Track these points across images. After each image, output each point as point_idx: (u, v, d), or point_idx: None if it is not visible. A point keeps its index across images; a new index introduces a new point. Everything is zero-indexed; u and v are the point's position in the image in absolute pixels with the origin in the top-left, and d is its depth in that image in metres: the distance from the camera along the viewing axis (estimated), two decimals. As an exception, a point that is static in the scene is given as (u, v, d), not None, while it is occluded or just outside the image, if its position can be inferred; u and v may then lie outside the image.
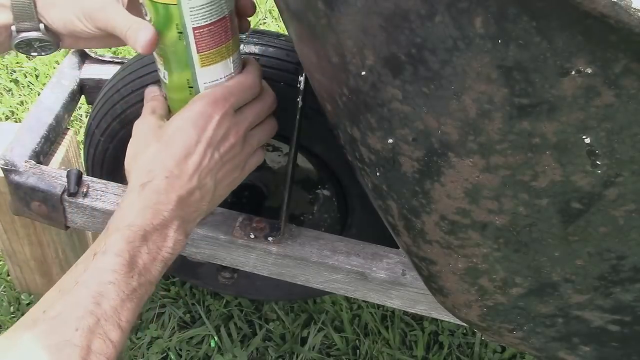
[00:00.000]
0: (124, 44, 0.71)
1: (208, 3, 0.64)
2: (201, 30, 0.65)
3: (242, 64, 0.73)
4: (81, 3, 0.69)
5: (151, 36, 0.65)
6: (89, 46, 0.77)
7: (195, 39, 0.66)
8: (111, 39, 0.71)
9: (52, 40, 0.73)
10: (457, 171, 0.52)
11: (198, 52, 0.67)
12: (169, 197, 0.65)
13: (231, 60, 0.70)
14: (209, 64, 0.68)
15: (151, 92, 0.75)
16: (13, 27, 0.72)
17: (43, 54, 0.74)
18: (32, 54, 0.74)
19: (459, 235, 0.58)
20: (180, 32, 0.65)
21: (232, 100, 0.68)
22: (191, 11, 0.63)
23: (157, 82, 0.75)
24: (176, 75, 0.69)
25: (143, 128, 0.70)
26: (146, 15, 0.66)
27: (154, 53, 0.70)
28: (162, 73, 0.71)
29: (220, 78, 0.70)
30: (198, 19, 0.64)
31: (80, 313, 0.57)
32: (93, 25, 0.69)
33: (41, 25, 0.71)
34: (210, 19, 0.65)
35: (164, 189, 0.65)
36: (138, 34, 0.65)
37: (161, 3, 0.63)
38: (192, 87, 0.70)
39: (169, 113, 0.73)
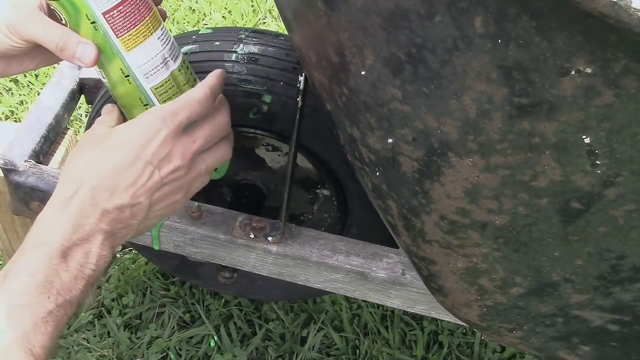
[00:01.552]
0: (57, 60, 0.70)
1: None
2: (111, 12, 0.64)
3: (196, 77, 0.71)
4: (3, 16, 0.66)
5: (96, 52, 0.64)
6: (22, 68, 0.72)
7: (108, 23, 0.64)
8: (42, 55, 0.69)
9: None
10: (457, 171, 0.52)
11: (118, 37, 0.66)
12: (93, 210, 0.61)
13: (157, 37, 0.68)
14: (135, 46, 0.67)
15: (106, 107, 0.71)
16: None
17: None
18: None
19: (459, 235, 0.58)
20: (93, 22, 0.64)
21: (181, 115, 0.63)
22: None
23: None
24: (110, 69, 0.68)
25: (87, 136, 0.66)
26: (62, 19, 0.65)
27: None
28: (100, 73, 0.70)
29: (152, 58, 0.68)
30: (104, 2, 0.63)
31: None
32: (19, 37, 0.66)
33: None
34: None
35: (89, 201, 0.60)
36: (79, 49, 0.64)
37: None
38: (128, 76, 0.68)
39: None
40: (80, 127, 1.55)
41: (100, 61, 0.67)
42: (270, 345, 1.23)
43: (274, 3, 0.62)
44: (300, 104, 0.79)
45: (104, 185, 0.61)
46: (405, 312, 1.28)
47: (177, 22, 1.88)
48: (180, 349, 1.22)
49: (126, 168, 0.61)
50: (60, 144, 1.03)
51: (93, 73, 1.09)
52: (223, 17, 1.92)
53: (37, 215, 0.91)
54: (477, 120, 0.48)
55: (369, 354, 1.23)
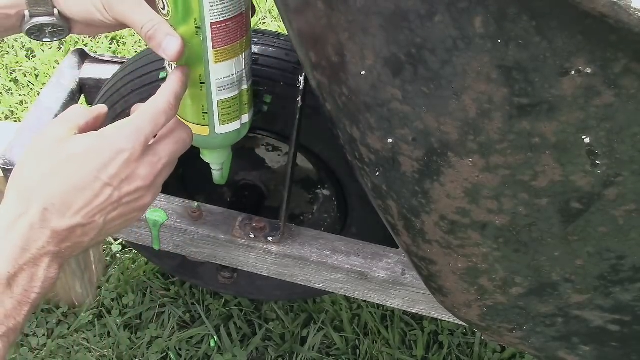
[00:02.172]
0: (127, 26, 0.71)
1: None
2: (219, 25, 0.65)
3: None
4: None
5: (180, 48, 0.63)
6: (98, 32, 0.74)
7: (212, 34, 0.66)
8: (121, 26, 0.70)
9: (65, 26, 0.72)
10: (457, 171, 0.52)
11: (214, 48, 0.67)
12: (42, 232, 0.56)
13: (243, 57, 0.70)
14: (223, 60, 0.68)
15: (74, 107, 0.64)
16: (26, 12, 0.70)
17: (55, 39, 0.73)
18: (44, 39, 0.73)
19: (459, 235, 0.58)
20: (198, 27, 0.65)
21: (146, 130, 0.59)
22: (211, 6, 0.63)
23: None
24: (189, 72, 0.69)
25: (44, 138, 0.60)
26: (164, 8, 0.65)
27: None
28: (173, 67, 0.70)
29: (232, 74, 0.70)
30: (217, 14, 0.64)
31: None
32: (111, 15, 0.67)
33: (55, 11, 0.70)
34: (229, 15, 0.65)
35: (39, 223, 0.56)
36: (166, 40, 0.63)
37: None
38: (203, 83, 0.70)
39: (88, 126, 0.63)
40: (80, 127, 1.55)
41: (182, 59, 0.67)
42: (270, 345, 1.23)
43: (274, 3, 0.62)
44: (300, 104, 0.79)
45: (56, 205, 0.57)
46: (405, 312, 1.28)
47: (177, 22, 1.88)
48: (180, 349, 1.22)
49: (83, 188, 0.57)
50: (60, 144, 1.03)
51: (93, 73, 1.09)
52: (223, 17, 1.92)
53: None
54: (477, 120, 0.48)
55: (369, 354, 1.23)
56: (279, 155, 1.01)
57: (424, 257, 0.65)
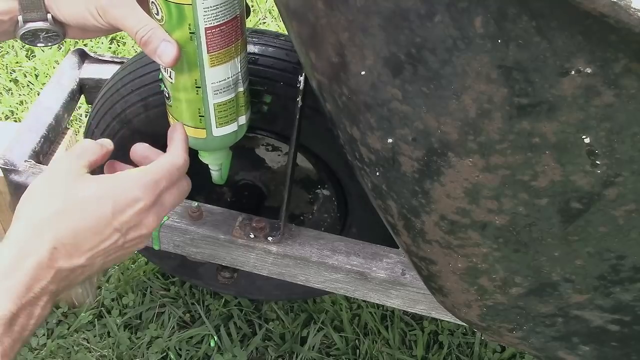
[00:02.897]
0: None
1: (222, 3, 0.64)
2: (213, 30, 0.65)
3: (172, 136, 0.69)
4: None
5: (177, 53, 0.64)
6: (93, 36, 0.75)
7: (206, 39, 0.65)
8: (116, 30, 0.70)
9: (59, 31, 0.72)
10: (457, 171, 0.52)
11: (208, 53, 0.67)
12: (49, 272, 0.56)
13: (239, 60, 0.70)
14: (218, 64, 0.68)
15: (83, 143, 0.65)
16: (20, 17, 0.70)
17: (49, 44, 0.73)
18: (38, 44, 0.73)
19: (459, 235, 0.58)
20: (193, 33, 0.65)
21: (162, 185, 0.61)
22: (205, 11, 0.63)
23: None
24: (184, 75, 0.69)
25: (58, 171, 0.60)
26: (157, 14, 0.65)
27: None
28: (168, 72, 0.70)
29: (228, 77, 0.70)
30: (211, 19, 0.64)
31: None
32: (105, 20, 0.67)
33: (49, 16, 0.70)
34: (223, 19, 0.65)
35: (47, 262, 0.56)
36: (161, 46, 0.64)
37: (175, 3, 0.63)
38: (199, 87, 0.70)
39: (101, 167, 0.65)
40: (80, 127, 1.55)
41: (177, 65, 0.67)
42: (270, 345, 1.23)
43: (274, 3, 0.62)
44: (300, 104, 0.79)
45: (66, 245, 0.57)
46: (405, 312, 1.28)
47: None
48: (180, 349, 1.22)
49: (95, 231, 0.58)
50: (60, 144, 1.03)
51: (93, 73, 1.09)
52: (223, 17, 1.91)
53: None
54: (477, 120, 0.48)
55: (369, 354, 1.23)
56: (279, 155, 1.01)
57: (424, 257, 0.65)
